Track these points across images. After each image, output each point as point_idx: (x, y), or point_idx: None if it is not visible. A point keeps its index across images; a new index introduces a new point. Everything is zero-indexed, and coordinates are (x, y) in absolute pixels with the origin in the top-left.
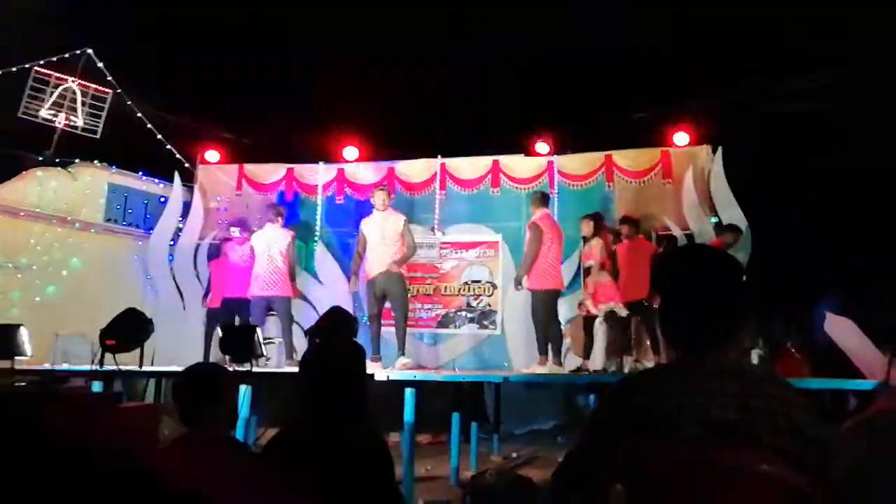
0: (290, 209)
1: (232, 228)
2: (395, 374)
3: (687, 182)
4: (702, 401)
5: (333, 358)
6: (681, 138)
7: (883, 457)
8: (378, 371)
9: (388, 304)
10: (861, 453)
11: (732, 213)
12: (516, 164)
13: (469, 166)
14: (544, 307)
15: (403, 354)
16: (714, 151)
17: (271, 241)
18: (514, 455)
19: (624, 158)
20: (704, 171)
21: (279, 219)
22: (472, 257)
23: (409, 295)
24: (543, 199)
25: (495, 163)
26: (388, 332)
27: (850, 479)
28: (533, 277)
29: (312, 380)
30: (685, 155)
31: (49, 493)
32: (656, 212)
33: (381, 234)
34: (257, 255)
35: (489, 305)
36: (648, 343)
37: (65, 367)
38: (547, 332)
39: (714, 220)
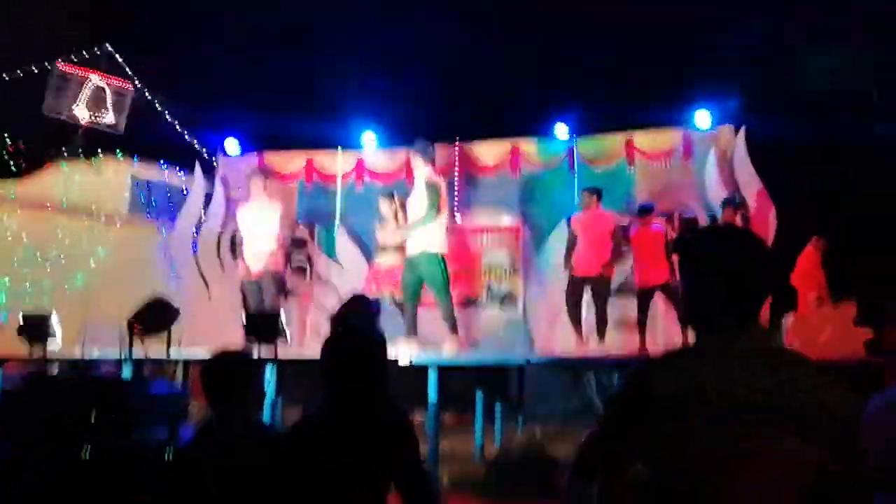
0: (311, 198)
1: None
2: (417, 358)
3: (709, 163)
4: (725, 381)
5: (354, 345)
6: (702, 119)
7: None
8: (401, 357)
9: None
10: (887, 428)
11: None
12: (535, 148)
13: (487, 151)
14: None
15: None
16: (737, 132)
17: (258, 214)
18: (538, 434)
19: (645, 140)
20: (727, 153)
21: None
22: (493, 242)
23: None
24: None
25: (514, 148)
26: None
27: (877, 454)
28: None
29: (333, 366)
30: (707, 136)
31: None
32: (678, 194)
33: None
34: (247, 229)
35: (510, 289)
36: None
37: (95, 353)
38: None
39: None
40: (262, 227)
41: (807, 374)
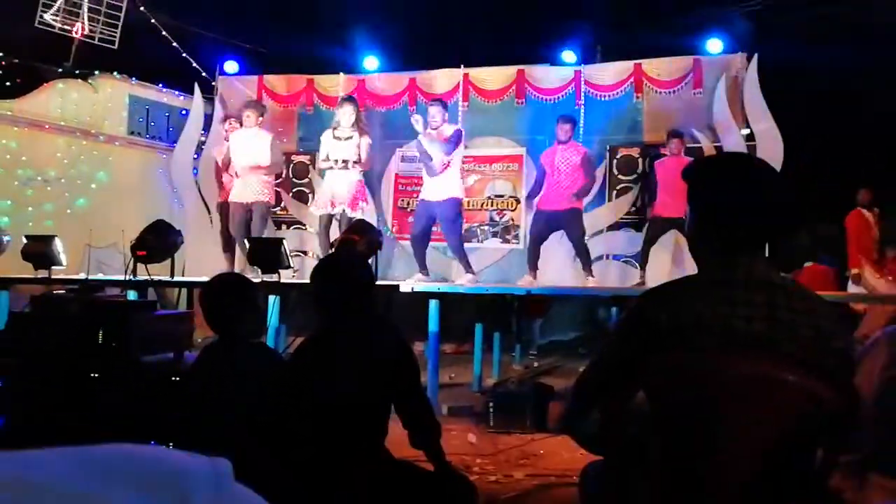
0: (311, 123)
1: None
2: (419, 286)
3: (719, 92)
4: (727, 311)
5: (338, 269)
6: (714, 45)
7: None
8: (402, 284)
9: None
10: (883, 365)
11: (765, 125)
12: (542, 75)
13: (493, 77)
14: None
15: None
16: (749, 60)
17: (249, 143)
18: (536, 365)
19: (654, 67)
20: (738, 81)
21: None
22: (496, 171)
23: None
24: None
25: (520, 73)
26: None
27: (871, 390)
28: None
29: (318, 292)
30: (718, 63)
31: (93, 387)
32: (685, 124)
33: None
34: (239, 157)
35: (512, 220)
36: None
37: (99, 276)
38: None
39: (745, 132)
40: (252, 156)
41: (808, 307)
